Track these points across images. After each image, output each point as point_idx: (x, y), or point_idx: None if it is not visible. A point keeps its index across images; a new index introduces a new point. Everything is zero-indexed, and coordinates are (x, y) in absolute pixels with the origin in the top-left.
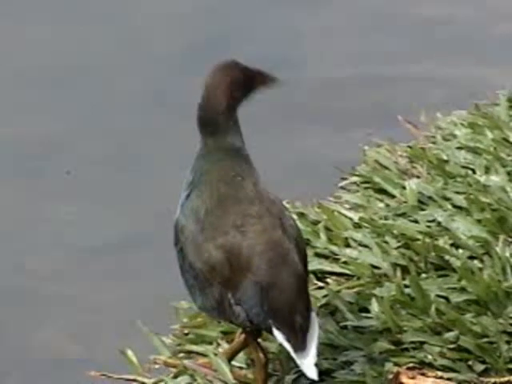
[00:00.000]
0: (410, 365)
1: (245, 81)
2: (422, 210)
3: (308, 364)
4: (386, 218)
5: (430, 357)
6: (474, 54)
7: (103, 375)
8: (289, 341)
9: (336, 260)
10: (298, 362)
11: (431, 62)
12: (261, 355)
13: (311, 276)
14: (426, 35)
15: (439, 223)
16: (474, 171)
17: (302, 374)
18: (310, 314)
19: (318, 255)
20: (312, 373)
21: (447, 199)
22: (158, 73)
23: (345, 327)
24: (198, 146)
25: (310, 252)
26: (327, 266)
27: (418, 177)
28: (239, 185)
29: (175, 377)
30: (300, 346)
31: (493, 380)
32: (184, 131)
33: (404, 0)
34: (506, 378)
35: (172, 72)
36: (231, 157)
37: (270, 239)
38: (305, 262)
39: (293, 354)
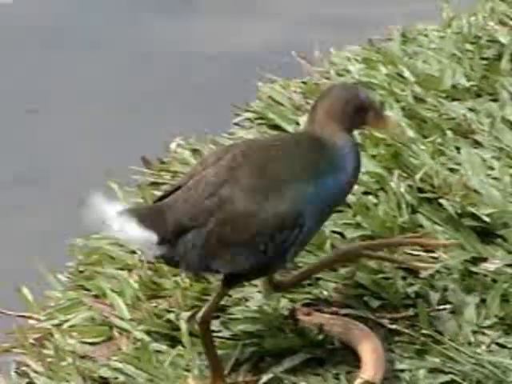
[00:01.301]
0: (306, 301)
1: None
2: None
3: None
4: None
5: (325, 293)
6: None
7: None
8: None
9: None
10: None
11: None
12: None
13: None
14: None
15: None
16: None
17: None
18: None
19: None
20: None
21: None
22: None
23: None
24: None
25: None
26: None
27: None
28: None
29: (70, 313)
30: None
31: (389, 316)
32: None
33: None
34: (401, 314)
35: None
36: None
37: None
38: None
39: None
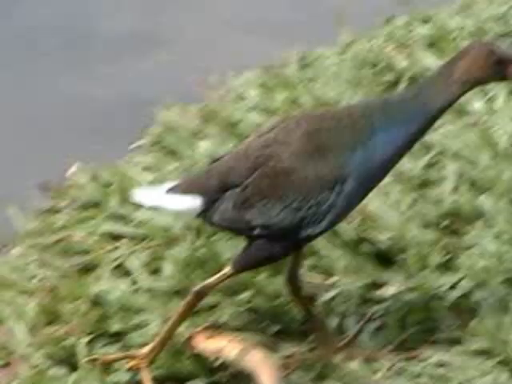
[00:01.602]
0: (205, 326)
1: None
2: None
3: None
4: (178, 179)
5: (223, 318)
6: None
7: None
8: None
9: (129, 222)
10: None
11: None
12: None
13: (104, 237)
14: None
15: None
16: None
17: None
18: None
19: (110, 217)
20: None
21: None
22: None
23: (138, 289)
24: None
25: (102, 214)
26: (120, 228)
27: (209, 138)
28: None
29: None
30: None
31: (287, 340)
32: None
33: None
34: (300, 339)
35: None
36: None
37: None
38: None
39: None
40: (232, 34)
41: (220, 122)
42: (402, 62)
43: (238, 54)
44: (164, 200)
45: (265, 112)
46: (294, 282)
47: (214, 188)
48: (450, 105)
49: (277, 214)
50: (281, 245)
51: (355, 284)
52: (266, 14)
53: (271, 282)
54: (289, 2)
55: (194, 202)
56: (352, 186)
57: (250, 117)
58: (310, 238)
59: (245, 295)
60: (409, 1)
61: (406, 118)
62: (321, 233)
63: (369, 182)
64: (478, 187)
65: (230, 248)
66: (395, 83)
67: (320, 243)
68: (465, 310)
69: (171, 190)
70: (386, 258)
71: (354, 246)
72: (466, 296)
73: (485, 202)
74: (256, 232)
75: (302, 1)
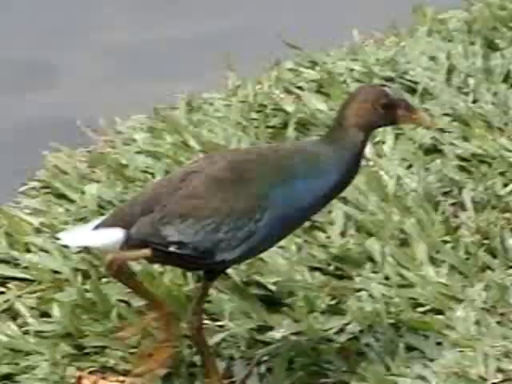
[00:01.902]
0: (93, 369)
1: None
2: (102, 214)
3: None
4: (66, 223)
5: (111, 361)
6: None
7: None
8: None
9: (17, 265)
10: None
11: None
12: None
13: None
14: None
15: None
16: (153, 175)
17: None
18: None
19: None
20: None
21: None
22: None
23: (26, 332)
24: None
25: None
26: (8, 271)
27: (97, 181)
28: None
29: None
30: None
31: None
32: None
33: None
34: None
35: None
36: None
37: None
38: None
39: None
40: (120, 76)
41: (108, 166)
42: (289, 106)
43: (126, 97)
44: (90, 238)
45: (153, 155)
46: (198, 318)
47: (137, 216)
48: (360, 149)
49: (194, 233)
50: (194, 265)
51: (243, 327)
52: (153, 57)
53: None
54: (178, 46)
55: (118, 234)
56: (271, 218)
57: (138, 160)
58: (224, 263)
59: (131, 339)
60: (296, 45)
61: (325, 170)
62: (235, 261)
63: (287, 220)
64: (365, 231)
65: (119, 290)
66: (283, 127)
67: None
68: (353, 353)
69: (97, 227)
70: (274, 302)
71: (242, 289)
72: (354, 339)
73: (372, 245)
74: (172, 248)
75: (191, 45)
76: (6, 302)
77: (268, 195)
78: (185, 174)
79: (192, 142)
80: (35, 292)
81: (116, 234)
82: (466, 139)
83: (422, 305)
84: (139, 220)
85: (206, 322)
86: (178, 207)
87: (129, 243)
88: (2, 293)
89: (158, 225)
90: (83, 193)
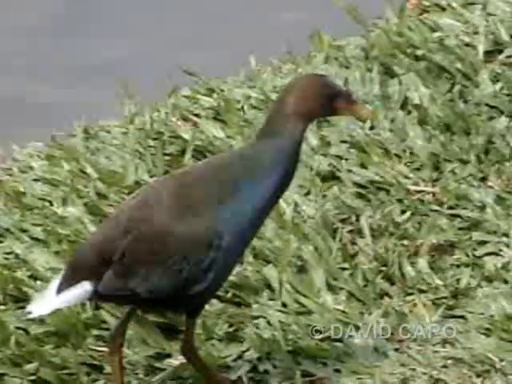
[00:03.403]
0: None
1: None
2: (0, 242)
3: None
4: None
5: None
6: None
7: None
8: None
9: None
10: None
11: None
12: None
13: None
14: None
15: (17, 255)
16: (51, 203)
17: None
18: None
19: None
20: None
21: (24, 231)
22: None
23: None
24: None
25: None
26: None
27: None
28: None
29: None
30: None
31: None
32: None
33: None
34: None
35: None
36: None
37: None
38: None
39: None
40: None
41: (5, 194)
42: (186, 133)
43: (20, 124)
44: (59, 300)
45: (50, 183)
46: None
47: (94, 264)
48: (300, 139)
49: (159, 278)
50: (170, 304)
51: (141, 354)
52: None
53: (58, 353)
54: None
55: (84, 288)
56: (229, 240)
57: (36, 188)
58: (200, 294)
59: (31, 366)
60: (193, 72)
61: (266, 167)
62: (208, 288)
63: (245, 232)
64: (263, 258)
65: (17, 318)
66: (181, 154)
67: (104, 314)
68: (251, 381)
69: (60, 287)
70: (171, 329)
71: (139, 316)
72: (252, 367)
73: (270, 272)
74: (142, 296)
75: (88, 70)
76: None
77: (220, 218)
78: (131, 211)
79: (89, 170)
80: None
81: (83, 289)
82: (363, 166)
83: (320, 332)
84: (104, 275)
85: (102, 349)
86: (136, 256)
87: (98, 296)
88: None
89: (123, 278)
90: None
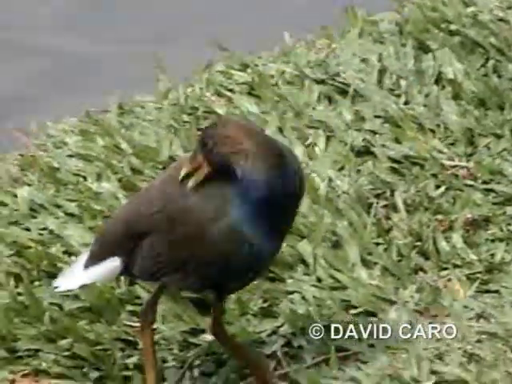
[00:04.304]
0: (26, 372)
1: None
2: (34, 217)
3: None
4: None
5: (44, 364)
6: None
7: None
8: None
9: None
10: None
11: None
12: None
13: None
14: None
15: (51, 231)
16: (85, 178)
17: None
18: None
19: None
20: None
21: (59, 207)
22: None
23: None
24: None
25: None
26: None
27: (29, 185)
28: None
29: None
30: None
31: None
32: None
33: None
34: None
35: None
36: None
37: None
38: None
39: None
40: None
41: (40, 169)
42: (220, 109)
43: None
44: (88, 275)
45: (84, 159)
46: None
47: (123, 239)
48: None
49: (199, 277)
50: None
51: (175, 330)
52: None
53: (92, 329)
54: (108, 50)
55: (113, 264)
56: (254, 231)
57: (70, 163)
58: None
59: (65, 341)
60: (227, 47)
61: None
62: (244, 283)
63: (267, 211)
64: (297, 233)
65: (52, 294)
66: None
67: (139, 290)
68: (285, 356)
69: (88, 263)
70: (206, 304)
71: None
72: (286, 342)
73: (304, 248)
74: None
75: (122, 45)
76: None
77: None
78: (163, 189)
79: (124, 145)
80: None
81: (112, 265)
82: (397, 141)
83: (354, 307)
84: (137, 266)
85: (136, 324)
86: (174, 258)
87: (127, 274)
88: None
89: (158, 275)
90: (15, 196)
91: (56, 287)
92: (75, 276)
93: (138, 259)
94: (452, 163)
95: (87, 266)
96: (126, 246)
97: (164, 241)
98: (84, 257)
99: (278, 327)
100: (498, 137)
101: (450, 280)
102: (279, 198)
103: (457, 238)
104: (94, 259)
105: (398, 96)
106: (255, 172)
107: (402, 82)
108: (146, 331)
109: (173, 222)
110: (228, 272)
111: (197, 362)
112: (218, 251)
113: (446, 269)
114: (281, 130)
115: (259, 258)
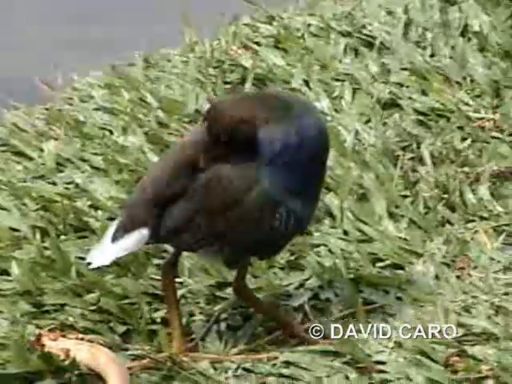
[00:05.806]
0: (52, 327)
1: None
2: (61, 171)
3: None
4: (24, 181)
5: (71, 319)
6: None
7: None
8: None
9: None
10: None
11: None
12: None
13: None
14: None
15: (77, 185)
16: (111, 132)
17: None
18: None
19: None
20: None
21: (85, 161)
22: None
23: None
24: None
25: None
26: None
27: (55, 139)
28: None
29: None
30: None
31: (135, 341)
32: None
33: None
34: (148, 339)
35: None
36: None
37: None
38: None
39: None
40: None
41: (65, 123)
42: (247, 62)
43: (81, 55)
44: (119, 248)
45: (110, 112)
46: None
47: (151, 208)
48: None
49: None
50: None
51: (202, 284)
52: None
53: (119, 283)
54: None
55: (141, 233)
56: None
57: (96, 117)
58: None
59: (92, 296)
60: (253, 1)
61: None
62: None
63: (299, 169)
64: (324, 186)
65: (78, 248)
66: (241, 82)
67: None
68: (312, 309)
69: (116, 235)
70: None
71: None
72: (313, 295)
73: (332, 200)
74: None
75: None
76: None
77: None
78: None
79: (150, 99)
80: None
81: (140, 234)
82: (424, 93)
83: (381, 260)
84: (176, 238)
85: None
86: (212, 229)
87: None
88: None
89: (195, 247)
90: (41, 150)
91: (89, 263)
92: (105, 251)
93: (171, 227)
94: (478, 115)
95: (116, 238)
96: (153, 215)
97: (199, 211)
98: (111, 231)
99: (305, 280)
100: None
101: (476, 232)
102: (304, 153)
103: (483, 190)
104: (122, 232)
105: (424, 48)
106: (272, 135)
107: (428, 35)
108: (169, 288)
109: (208, 191)
110: (264, 241)
111: (223, 316)
112: (254, 219)
113: (472, 221)
114: (307, 82)
115: (299, 224)
